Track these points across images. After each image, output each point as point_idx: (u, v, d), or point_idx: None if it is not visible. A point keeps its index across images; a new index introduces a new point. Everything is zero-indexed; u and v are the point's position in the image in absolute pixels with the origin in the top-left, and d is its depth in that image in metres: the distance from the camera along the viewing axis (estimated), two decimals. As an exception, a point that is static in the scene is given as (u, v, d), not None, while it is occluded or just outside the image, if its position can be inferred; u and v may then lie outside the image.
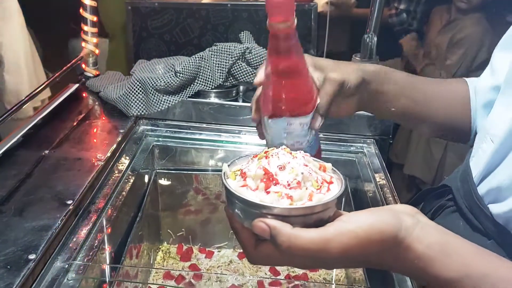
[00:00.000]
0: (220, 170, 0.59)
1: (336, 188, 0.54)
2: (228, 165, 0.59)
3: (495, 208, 0.58)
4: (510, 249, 0.56)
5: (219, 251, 1.25)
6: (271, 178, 0.52)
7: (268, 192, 0.51)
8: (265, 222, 0.50)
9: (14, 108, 1.15)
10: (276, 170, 0.53)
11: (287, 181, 0.52)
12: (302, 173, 0.52)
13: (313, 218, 0.51)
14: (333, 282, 1.16)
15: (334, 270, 1.17)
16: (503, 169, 0.57)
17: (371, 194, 1.02)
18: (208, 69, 1.23)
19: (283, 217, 0.50)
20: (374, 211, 0.52)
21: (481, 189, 0.62)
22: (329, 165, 0.58)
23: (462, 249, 0.49)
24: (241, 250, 1.08)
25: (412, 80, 0.76)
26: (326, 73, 0.67)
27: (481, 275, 0.47)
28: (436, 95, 0.76)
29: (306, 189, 0.52)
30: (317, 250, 0.48)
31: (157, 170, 1.22)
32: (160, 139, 1.22)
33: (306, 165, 0.54)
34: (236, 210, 0.54)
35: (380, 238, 0.48)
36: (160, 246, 1.26)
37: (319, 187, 0.53)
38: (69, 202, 0.85)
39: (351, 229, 0.48)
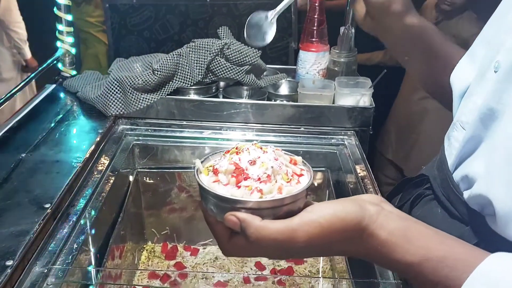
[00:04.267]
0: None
1: (306, 180, 0.56)
2: (202, 161, 0.59)
3: (468, 195, 0.58)
4: (486, 235, 0.57)
5: (204, 248, 1.24)
6: (242, 173, 0.53)
7: (239, 187, 0.53)
8: (235, 215, 0.52)
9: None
10: (246, 165, 0.54)
11: (257, 175, 0.53)
12: (272, 167, 0.54)
13: (283, 209, 0.52)
14: (320, 275, 1.16)
15: (321, 262, 1.18)
16: (475, 156, 0.58)
17: (352, 185, 1.02)
18: (186, 66, 1.22)
19: (254, 210, 0.52)
20: (339, 201, 0.54)
21: (456, 177, 0.63)
22: (299, 158, 0.59)
23: (422, 234, 0.51)
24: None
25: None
26: None
27: (440, 258, 0.48)
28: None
29: (276, 182, 0.53)
30: (283, 240, 0.51)
31: (138, 170, 1.21)
32: (140, 138, 1.21)
33: (277, 159, 0.55)
34: (209, 205, 0.55)
35: (343, 227, 0.50)
36: (145, 246, 1.25)
37: (289, 180, 0.54)
38: (47, 205, 0.84)
39: (314, 219, 0.51)
